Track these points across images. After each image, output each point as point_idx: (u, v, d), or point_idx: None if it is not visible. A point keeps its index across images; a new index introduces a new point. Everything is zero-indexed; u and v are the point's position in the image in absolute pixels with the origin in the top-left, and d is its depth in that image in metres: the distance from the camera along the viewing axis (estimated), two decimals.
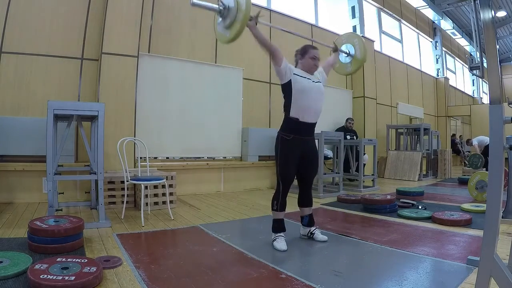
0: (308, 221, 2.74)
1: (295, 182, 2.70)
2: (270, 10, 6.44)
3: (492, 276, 1.35)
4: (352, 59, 3.23)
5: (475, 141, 9.03)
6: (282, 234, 2.53)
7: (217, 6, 2.42)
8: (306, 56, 2.61)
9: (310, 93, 2.54)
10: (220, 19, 2.47)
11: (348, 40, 3.27)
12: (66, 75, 4.35)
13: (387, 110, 9.28)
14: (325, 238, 2.70)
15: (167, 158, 5.09)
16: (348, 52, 3.20)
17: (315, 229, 2.75)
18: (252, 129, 5.67)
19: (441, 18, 11.45)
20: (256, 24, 2.44)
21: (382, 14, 9.48)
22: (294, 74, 2.54)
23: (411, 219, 3.44)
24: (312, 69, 2.63)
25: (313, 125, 2.63)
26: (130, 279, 1.86)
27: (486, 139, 8.79)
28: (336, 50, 3.15)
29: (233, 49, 5.76)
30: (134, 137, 4.28)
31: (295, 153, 2.55)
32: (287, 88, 2.55)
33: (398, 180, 7.42)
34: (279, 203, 2.53)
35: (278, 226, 2.54)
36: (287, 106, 2.57)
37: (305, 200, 2.75)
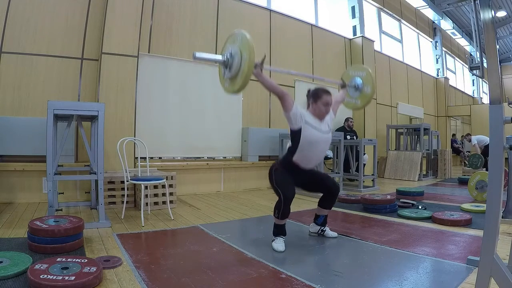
0: (323, 221, 2.79)
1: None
2: (270, 10, 6.44)
3: (492, 276, 1.35)
4: (360, 94, 3.17)
5: (474, 140, 9.03)
6: (282, 237, 2.53)
7: (220, 57, 2.36)
8: (319, 102, 2.54)
9: (318, 145, 2.53)
10: (224, 69, 2.40)
11: (356, 73, 3.23)
12: (66, 75, 4.35)
13: (387, 110, 9.28)
14: (335, 234, 2.78)
15: (167, 158, 5.09)
16: (356, 86, 3.16)
17: (325, 226, 2.82)
18: (252, 129, 5.67)
19: (441, 18, 11.45)
20: (262, 71, 2.38)
21: (382, 14, 9.48)
22: (305, 122, 2.49)
23: (411, 219, 3.44)
24: (324, 115, 2.59)
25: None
26: (130, 279, 1.86)
27: (485, 139, 8.79)
28: (344, 86, 3.12)
29: None
30: (134, 137, 4.28)
31: (290, 174, 2.54)
32: (296, 135, 2.50)
33: (398, 180, 7.42)
34: (281, 212, 2.46)
35: (278, 231, 2.54)
36: (292, 150, 2.54)
37: (327, 204, 2.73)
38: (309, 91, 2.69)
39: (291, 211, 2.51)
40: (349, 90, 3.17)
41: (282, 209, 2.44)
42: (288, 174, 2.53)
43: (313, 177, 2.68)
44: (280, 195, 2.44)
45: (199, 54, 2.26)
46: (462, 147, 12.33)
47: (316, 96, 2.57)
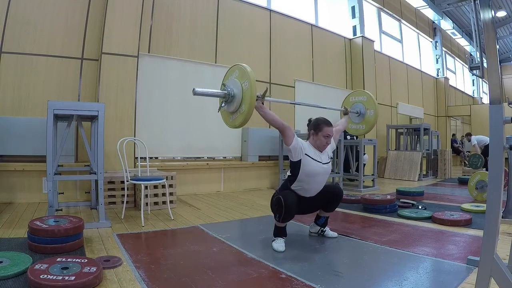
0: (324, 222, 2.79)
1: None
2: (270, 10, 6.44)
3: (492, 276, 1.35)
4: (363, 119, 3.18)
5: (474, 141, 9.03)
6: (282, 237, 2.53)
7: (222, 92, 2.34)
8: (320, 134, 2.54)
9: (317, 177, 2.53)
10: (226, 106, 2.37)
11: (357, 98, 3.24)
12: (66, 75, 4.35)
13: (387, 110, 9.28)
14: (335, 234, 2.78)
15: (167, 158, 5.09)
16: (359, 111, 3.16)
17: (326, 227, 2.82)
18: (252, 129, 5.67)
19: (441, 18, 11.45)
20: (263, 103, 2.37)
21: (382, 14, 9.48)
22: (305, 154, 2.49)
23: (411, 219, 3.44)
24: (324, 147, 2.58)
25: None
26: (130, 279, 1.86)
27: (485, 139, 8.78)
28: (346, 113, 3.12)
29: (233, 49, 5.77)
30: (134, 137, 4.28)
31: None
32: (295, 166, 2.50)
33: (398, 180, 7.42)
34: (281, 217, 2.43)
35: (279, 232, 2.53)
36: (291, 179, 2.54)
37: (330, 207, 2.71)
38: (310, 120, 2.68)
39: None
40: (352, 117, 3.18)
41: (283, 216, 2.41)
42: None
43: (315, 198, 2.62)
44: (281, 200, 2.39)
45: (199, 90, 2.24)
46: (462, 147, 12.33)
47: (317, 128, 2.55)
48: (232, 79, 2.33)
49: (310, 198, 2.61)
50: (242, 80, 2.23)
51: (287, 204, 2.38)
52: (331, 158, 2.67)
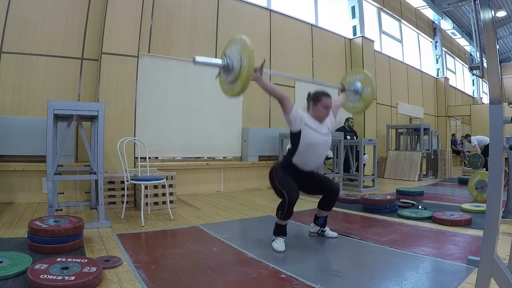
0: (323, 222, 2.79)
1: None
2: (270, 10, 6.44)
3: (492, 276, 1.35)
4: (360, 97, 3.18)
5: (474, 141, 9.03)
6: (282, 237, 2.53)
7: (220, 61, 2.37)
8: (319, 104, 2.56)
9: (317, 148, 2.54)
10: (225, 75, 2.41)
11: (354, 77, 3.23)
12: (66, 75, 4.36)
13: (387, 110, 9.28)
14: (335, 234, 2.79)
15: (167, 158, 5.09)
16: (356, 89, 3.17)
17: (325, 226, 2.83)
18: (252, 129, 5.67)
19: (441, 18, 11.45)
20: (261, 75, 2.40)
21: (382, 14, 9.48)
22: (305, 124, 2.50)
23: (411, 219, 3.44)
24: (323, 118, 2.60)
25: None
26: (130, 279, 1.86)
27: (485, 139, 8.79)
28: (344, 90, 3.14)
29: None
30: (134, 137, 4.28)
31: (290, 176, 2.53)
32: (295, 137, 2.52)
33: (398, 180, 7.42)
34: (284, 213, 2.45)
35: (280, 231, 2.54)
36: (292, 152, 2.55)
37: (327, 206, 2.73)
38: (309, 94, 2.69)
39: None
40: (348, 94, 3.18)
41: (286, 211, 2.42)
42: (288, 176, 2.53)
43: (313, 179, 2.67)
44: (285, 196, 2.42)
45: (199, 59, 2.26)
46: (462, 147, 12.33)
47: (316, 99, 2.58)
48: (232, 50, 2.37)
49: (311, 179, 2.62)
50: (242, 51, 2.28)
51: (290, 198, 2.39)
52: (330, 131, 2.69)
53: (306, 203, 4.15)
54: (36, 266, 1.78)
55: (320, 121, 2.59)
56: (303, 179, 2.58)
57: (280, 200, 2.49)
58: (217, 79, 2.53)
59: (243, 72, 2.24)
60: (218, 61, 2.38)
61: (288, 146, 2.63)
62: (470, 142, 9.34)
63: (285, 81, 6.46)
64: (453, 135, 12.87)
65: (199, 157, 5.44)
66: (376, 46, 8.63)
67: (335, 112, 2.83)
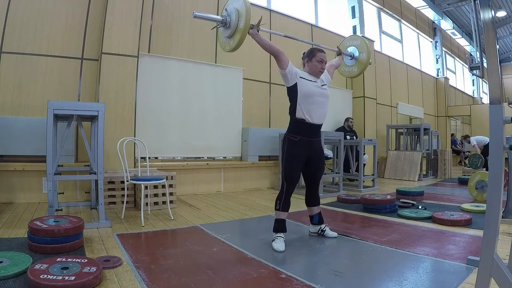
0: (319, 219, 2.81)
1: (302, 181, 2.73)
2: (270, 10, 6.44)
3: (492, 276, 1.35)
4: (356, 62, 3.25)
5: (473, 141, 9.03)
6: (282, 234, 2.54)
7: (219, 17, 2.48)
8: (313, 59, 2.62)
9: (315, 97, 2.57)
10: (222, 29, 2.53)
11: (351, 42, 3.30)
12: (66, 75, 4.35)
13: (387, 110, 9.28)
14: (335, 234, 2.80)
15: (167, 158, 5.09)
16: (352, 54, 3.22)
17: (325, 226, 2.83)
18: (252, 129, 5.67)
19: (441, 18, 11.45)
20: (258, 31, 2.48)
21: (382, 14, 9.48)
22: (300, 77, 2.55)
23: (411, 219, 3.45)
24: (319, 72, 2.64)
25: (319, 126, 2.65)
26: (130, 279, 1.86)
27: (484, 139, 8.79)
28: (340, 53, 3.18)
29: None
30: (134, 137, 4.28)
31: (301, 154, 2.57)
32: (292, 91, 2.55)
33: (398, 180, 7.42)
34: (282, 202, 2.53)
35: (279, 226, 2.54)
36: (293, 109, 2.58)
37: (312, 200, 2.79)
38: (304, 52, 2.75)
39: (291, 211, 2.51)
40: (345, 59, 3.25)
41: (283, 200, 2.50)
42: (297, 150, 2.54)
43: (315, 157, 2.65)
44: (284, 184, 2.51)
45: (198, 13, 2.39)
46: (462, 147, 12.33)
47: (311, 54, 2.64)
48: (231, 7, 2.48)
49: (315, 156, 2.63)
50: (239, 7, 2.38)
51: (288, 188, 2.50)
52: (327, 85, 2.73)
53: None
54: (36, 266, 1.78)
55: (316, 76, 2.64)
56: (311, 150, 2.59)
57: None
58: (214, 28, 2.71)
59: (239, 27, 2.36)
60: (217, 16, 2.51)
61: (289, 109, 2.62)
62: (469, 143, 9.34)
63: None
64: (452, 135, 12.87)
65: (199, 157, 5.43)
66: (376, 46, 8.63)
67: (331, 72, 2.91)
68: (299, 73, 2.58)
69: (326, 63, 2.68)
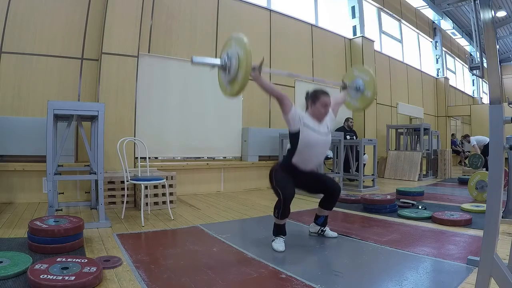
0: (323, 221, 2.79)
1: None
2: (270, 10, 6.44)
3: (492, 276, 1.34)
4: (361, 96, 3.16)
5: (473, 141, 9.03)
6: (281, 237, 2.53)
7: (218, 61, 2.35)
8: (317, 103, 2.54)
9: (316, 148, 2.53)
10: (223, 73, 2.39)
11: (359, 75, 3.21)
12: (66, 75, 4.36)
13: (387, 110, 9.28)
14: (335, 234, 2.79)
15: (167, 158, 5.09)
16: (358, 87, 3.15)
17: (326, 227, 2.82)
18: (252, 129, 5.67)
19: (441, 18, 11.45)
20: (260, 74, 2.38)
21: (382, 14, 9.48)
22: (304, 124, 2.49)
23: (411, 219, 3.44)
24: (323, 116, 2.58)
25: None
26: (130, 279, 1.86)
27: (484, 139, 8.78)
28: (345, 87, 3.11)
29: None
30: (134, 137, 4.28)
31: (290, 175, 2.53)
32: (294, 137, 2.50)
33: (398, 180, 7.42)
34: (280, 212, 2.45)
35: (278, 231, 2.54)
36: (291, 153, 2.54)
37: (328, 205, 2.72)
38: (307, 93, 2.68)
39: (291, 211, 2.50)
40: (350, 91, 3.16)
41: (281, 209, 2.43)
42: (288, 175, 2.53)
43: (314, 178, 2.67)
44: (280, 195, 2.43)
45: (196, 59, 2.25)
46: (462, 147, 12.33)
47: (315, 98, 2.56)
48: (230, 49, 2.34)
49: (311, 178, 2.61)
50: (239, 50, 2.25)
51: (285, 196, 2.40)
52: (330, 130, 2.67)
53: (306, 203, 4.16)
54: (36, 266, 1.78)
55: (319, 120, 2.57)
56: (304, 178, 2.58)
57: (277, 199, 2.50)
58: (212, 70, 2.52)
59: (241, 71, 2.21)
60: (216, 61, 2.37)
61: (288, 146, 2.63)
62: (469, 142, 9.34)
63: (285, 81, 6.46)
64: (452, 135, 12.87)
65: (199, 157, 5.43)
66: (376, 46, 8.63)
67: (335, 110, 2.80)
68: (302, 117, 2.51)
69: (330, 106, 2.59)
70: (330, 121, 2.68)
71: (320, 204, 2.75)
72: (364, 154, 6.32)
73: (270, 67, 6.25)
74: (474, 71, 1.66)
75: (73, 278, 1.68)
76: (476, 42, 1.77)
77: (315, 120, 2.56)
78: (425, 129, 7.96)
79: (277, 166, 2.62)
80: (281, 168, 2.58)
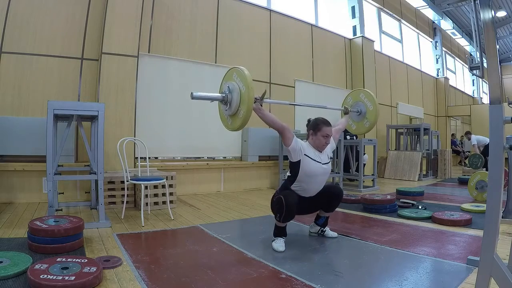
0: (324, 222, 2.79)
1: None
2: (270, 10, 6.44)
3: (492, 276, 1.34)
4: (365, 116, 3.16)
5: (474, 140, 9.02)
6: (282, 237, 2.53)
7: (219, 95, 2.34)
8: (319, 134, 2.54)
9: (317, 178, 2.54)
10: (224, 107, 2.38)
11: (355, 97, 3.23)
12: (66, 75, 4.35)
13: (387, 110, 9.28)
14: (335, 234, 2.79)
15: (167, 158, 5.09)
16: (359, 110, 3.15)
17: (326, 227, 2.82)
18: (252, 129, 5.66)
19: (441, 18, 11.45)
20: (262, 105, 2.37)
21: (382, 14, 9.48)
22: (304, 155, 2.49)
23: (411, 219, 3.44)
24: (324, 147, 2.59)
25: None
26: (130, 279, 1.86)
27: (485, 139, 8.78)
28: (347, 112, 3.11)
29: (233, 49, 5.77)
30: (134, 137, 4.28)
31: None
32: (295, 166, 2.51)
33: (398, 180, 7.42)
34: (282, 217, 2.43)
35: (279, 232, 2.53)
36: (291, 180, 2.55)
37: (330, 207, 2.71)
38: (309, 120, 2.69)
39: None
40: (352, 116, 3.17)
41: (284, 214, 2.41)
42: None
43: (314, 197, 2.63)
44: (282, 200, 2.39)
45: (197, 94, 2.23)
46: (462, 146, 12.32)
47: (316, 128, 2.56)
48: (230, 82, 2.32)
49: (310, 198, 2.61)
50: (240, 83, 2.22)
51: (288, 203, 2.38)
52: (331, 158, 2.68)
53: None
54: (36, 266, 1.78)
55: (320, 150, 2.58)
56: (304, 203, 2.57)
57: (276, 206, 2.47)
58: (219, 114, 2.54)
59: (243, 107, 2.18)
60: (217, 96, 2.35)
61: (288, 173, 2.62)
62: (469, 139, 9.33)
63: (284, 81, 6.46)
64: (452, 135, 12.87)
65: (199, 157, 5.43)
66: (376, 46, 8.63)
67: (336, 137, 2.82)
68: (304, 148, 2.51)
69: (331, 136, 2.59)
70: (330, 149, 2.69)
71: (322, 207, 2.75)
72: (364, 154, 6.32)
73: (270, 67, 6.26)
74: (474, 71, 1.66)
75: (73, 278, 1.68)
76: (476, 42, 1.77)
77: (316, 150, 2.57)
78: (425, 129, 7.96)
79: (277, 193, 2.58)
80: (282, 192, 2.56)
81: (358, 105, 3.20)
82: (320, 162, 2.54)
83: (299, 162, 2.48)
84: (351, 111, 3.17)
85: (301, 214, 2.68)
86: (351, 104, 3.26)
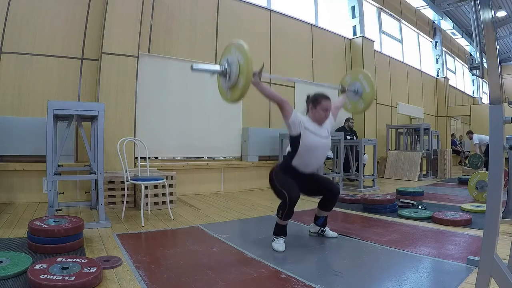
0: (323, 222, 2.79)
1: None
2: (270, 10, 6.44)
3: (492, 276, 1.35)
4: (361, 97, 3.16)
5: (476, 140, 9.01)
6: (282, 237, 2.53)
7: (218, 67, 2.35)
8: (318, 107, 2.56)
9: (317, 151, 2.55)
10: (223, 79, 2.39)
11: (353, 77, 3.23)
12: (66, 75, 4.35)
13: (387, 110, 9.28)
14: (335, 234, 2.79)
15: (167, 158, 5.09)
16: (356, 90, 3.15)
17: (326, 227, 2.82)
18: (252, 129, 5.67)
19: (441, 18, 11.45)
20: (260, 79, 2.38)
21: (382, 14, 9.48)
22: (305, 128, 2.51)
23: (411, 219, 3.44)
24: (323, 120, 2.60)
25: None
26: (130, 279, 1.86)
27: (487, 138, 8.78)
28: (344, 91, 3.12)
29: None
30: (134, 137, 4.28)
31: (290, 177, 2.54)
32: (295, 140, 2.52)
33: (398, 180, 7.42)
34: (285, 213, 2.44)
35: (279, 231, 2.54)
36: (291, 155, 2.56)
37: (327, 206, 2.72)
38: (308, 96, 2.69)
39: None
40: (348, 95, 3.16)
41: (286, 210, 2.42)
42: (288, 177, 2.53)
43: (313, 181, 2.67)
44: (285, 196, 2.41)
45: (197, 66, 2.25)
46: (462, 146, 12.32)
47: (315, 102, 2.58)
48: (230, 56, 2.34)
49: (311, 180, 2.61)
50: (239, 57, 2.25)
51: (291, 199, 2.39)
52: (330, 133, 2.68)
53: (306, 203, 4.15)
54: (36, 266, 1.78)
55: (319, 123, 2.59)
56: (303, 181, 2.58)
57: (280, 200, 2.49)
58: (212, 76, 2.51)
59: (241, 78, 2.21)
60: (216, 67, 2.37)
61: (288, 148, 2.63)
62: (471, 139, 9.32)
63: (285, 82, 6.46)
64: (452, 135, 12.87)
65: (199, 157, 5.43)
66: (376, 46, 8.63)
67: (335, 114, 2.82)
68: (303, 122, 2.52)
69: (330, 110, 2.61)
70: (330, 124, 2.70)
71: (319, 205, 2.76)
72: (364, 154, 6.32)
73: (270, 67, 6.25)
74: (474, 71, 1.66)
75: (73, 278, 1.68)
76: (476, 42, 1.77)
77: (316, 124, 2.58)
78: (425, 129, 7.96)
79: (277, 167, 2.62)
80: (281, 170, 2.58)
81: (356, 85, 3.19)
82: (320, 136, 2.55)
83: (299, 136, 2.49)
84: (348, 90, 3.15)
85: (301, 193, 2.63)
86: (349, 83, 3.25)
